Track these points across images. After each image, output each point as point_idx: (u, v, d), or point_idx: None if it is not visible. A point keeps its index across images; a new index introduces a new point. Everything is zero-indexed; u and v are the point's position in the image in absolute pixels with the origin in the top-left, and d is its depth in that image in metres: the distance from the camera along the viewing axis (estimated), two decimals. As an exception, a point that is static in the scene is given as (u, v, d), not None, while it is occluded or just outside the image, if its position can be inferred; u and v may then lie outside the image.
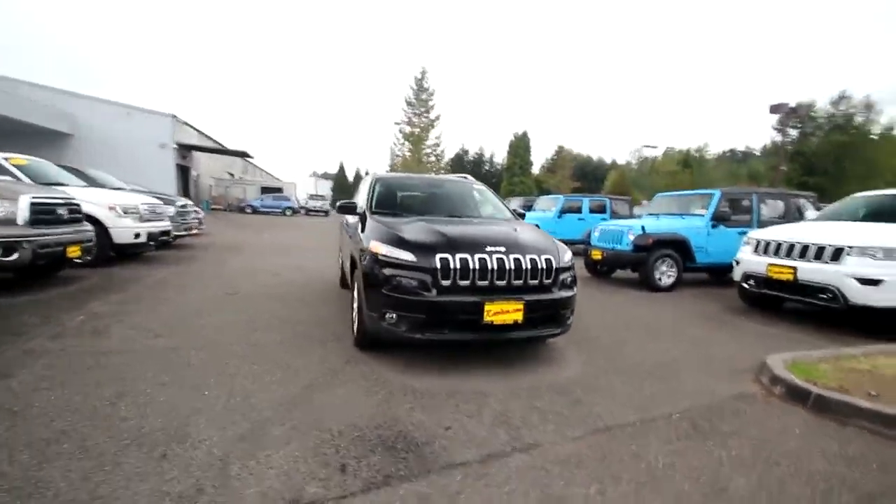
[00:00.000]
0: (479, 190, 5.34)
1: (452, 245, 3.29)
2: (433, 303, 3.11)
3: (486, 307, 3.13)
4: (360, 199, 5.19)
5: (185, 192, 24.40)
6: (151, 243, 8.09)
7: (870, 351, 4.05)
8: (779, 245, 5.56)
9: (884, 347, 4.18)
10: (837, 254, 4.92)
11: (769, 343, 4.49)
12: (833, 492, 2.08)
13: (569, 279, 3.54)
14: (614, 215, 13.49)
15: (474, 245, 3.32)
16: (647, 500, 1.97)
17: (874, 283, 4.63)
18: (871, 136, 38.87)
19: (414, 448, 2.30)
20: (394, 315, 3.21)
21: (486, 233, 3.71)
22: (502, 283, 3.24)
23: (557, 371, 3.50)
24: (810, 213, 6.93)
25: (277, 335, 4.14)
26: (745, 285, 6.01)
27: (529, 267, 3.29)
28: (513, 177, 48.37)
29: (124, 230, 7.42)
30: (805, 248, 5.23)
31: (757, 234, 6.12)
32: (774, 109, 21.57)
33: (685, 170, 37.07)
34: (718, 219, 7.89)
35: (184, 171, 25.95)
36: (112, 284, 6.02)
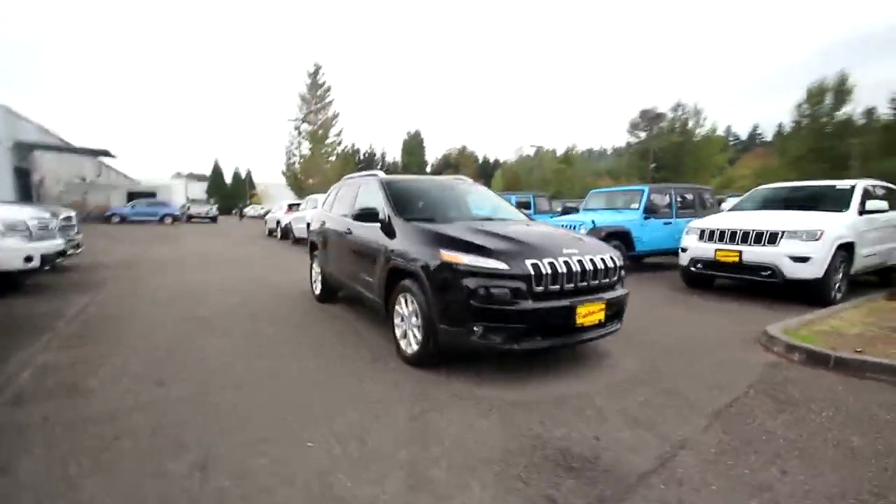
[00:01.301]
0: (485, 191, 5.29)
1: (533, 250, 3.21)
2: (531, 311, 3.01)
3: (578, 310, 3.13)
4: (359, 204, 4.78)
5: (25, 199, 19.74)
6: (46, 268, 6.43)
7: (820, 315, 4.98)
8: (723, 233, 6.49)
9: (823, 312, 5.17)
10: (774, 237, 5.92)
11: (738, 317, 5.25)
12: (918, 435, 2.52)
13: (623, 275, 3.70)
14: (538, 212, 14.40)
15: (552, 249, 3.28)
16: (827, 469, 2.17)
17: (804, 260, 5.68)
18: (695, 138, 47.19)
19: (592, 465, 2.21)
20: (480, 327, 3.03)
21: (549, 235, 3.70)
22: (585, 284, 3.27)
23: (614, 366, 3.64)
24: (726, 203, 8.24)
25: (308, 361, 3.62)
26: (693, 269, 6.90)
27: (602, 267, 3.37)
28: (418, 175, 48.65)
29: (11, 253, 5.78)
30: (747, 234, 6.19)
31: (698, 224, 7.05)
32: (643, 114, 25.04)
33: (569, 167, 41.37)
34: (649, 211, 8.93)
35: (22, 175, 20.99)
36: (28, 325, 4.64)
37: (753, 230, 6.12)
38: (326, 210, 5.93)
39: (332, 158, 34.59)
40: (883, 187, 7.17)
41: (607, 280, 3.43)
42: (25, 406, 2.80)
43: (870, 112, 41.28)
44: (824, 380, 3.35)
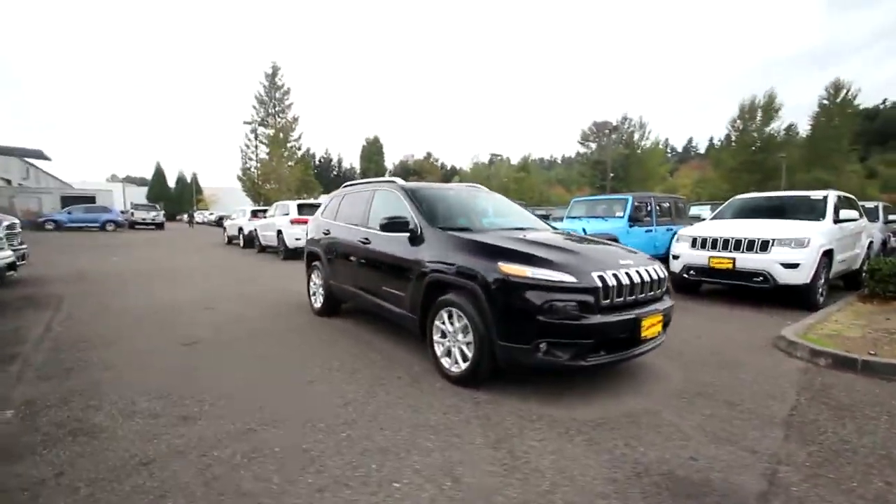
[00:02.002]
0: (503, 199, 5.17)
1: (595, 262, 3.11)
2: (599, 325, 2.88)
3: (643, 322, 3.05)
4: (377, 213, 4.51)
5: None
6: (-5, 283, 5.60)
7: (817, 319, 5.25)
8: (715, 241, 6.74)
9: (817, 316, 5.46)
10: (765, 245, 6.21)
11: (742, 323, 5.44)
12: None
13: (668, 287, 3.68)
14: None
15: (611, 260, 3.20)
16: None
17: (794, 266, 5.99)
18: (638, 150, 49.97)
19: (707, 489, 2.11)
20: (546, 344, 2.88)
21: (601, 246, 3.63)
22: (643, 296, 3.20)
23: (661, 378, 3.60)
24: (706, 213, 8.61)
25: (344, 387, 3.30)
26: (686, 275, 7.12)
27: (655, 278, 3.32)
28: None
29: (-46, 268, 4.96)
30: (739, 242, 6.46)
31: (690, 232, 7.29)
32: (600, 126, 26.21)
33: (528, 175, 42.48)
34: (633, 219, 9.19)
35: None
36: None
37: (746, 238, 6.39)
38: (327, 219, 5.57)
39: (292, 163, 33.26)
40: (846, 197, 7.76)
41: (660, 291, 3.38)
42: (26, 459, 2.32)
43: (788, 128, 45.55)
44: (860, 384, 3.47)
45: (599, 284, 2.93)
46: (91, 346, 4.27)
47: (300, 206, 12.25)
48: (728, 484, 2.14)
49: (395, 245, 4.05)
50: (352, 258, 4.81)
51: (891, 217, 11.49)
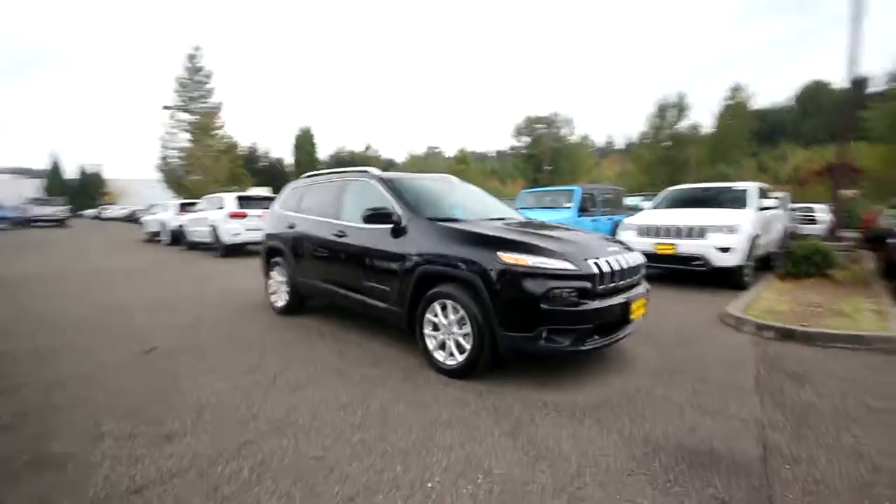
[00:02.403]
0: (477, 189, 5.19)
1: (588, 250, 3.21)
2: (596, 310, 2.99)
3: (632, 306, 3.21)
4: (351, 205, 4.35)
5: None
6: None
7: (750, 297, 5.87)
8: (658, 229, 7.28)
9: (749, 294, 6.11)
10: (702, 232, 6.82)
11: (688, 304, 5.93)
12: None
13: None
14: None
15: (600, 248, 3.32)
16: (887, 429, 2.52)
17: (727, 250, 6.64)
18: (561, 145, 52.69)
19: (716, 457, 2.28)
20: (547, 331, 2.94)
21: (587, 235, 3.76)
22: (630, 281, 3.36)
23: (638, 358, 3.82)
24: (645, 203, 9.24)
25: (337, 389, 3.14)
26: (633, 261, 7.63)
27: (637, 264, 3.50)
28: (303, 175, 45.92)
29: None
30: (680, 229, 7.03)
31: (634, 221, 7.80)
32: (537, 120, 27.22)
33: (467, 167, 43.02)
34: (582, 210, 9.65)
35: None
36: None
37: (686, 226, 6.97)
38: (289, 211, 5.24)
39: (217, 153, 30.74)
40: (762, 188, 8.72)
41: (639, 276, 3.58)
42: (-13, 498, 1.95)
43: (694, 127, 50.17)
44: (803, 352, 3.92)
45: (596, 271, 3.03)
46: (32, 360, 3.69)
47: (240, 199, 11.43)
48: (731, 451, 2.33)
49: (376, 238, 3.91)
50: (323, 253, 4.57)
51: (791, 206, 13.13)
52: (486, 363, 3.19)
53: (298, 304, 5.19)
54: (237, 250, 11.52)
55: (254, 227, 11.04)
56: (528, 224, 4.02)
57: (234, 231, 10.96)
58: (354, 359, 3.77)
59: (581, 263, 3.02)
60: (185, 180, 29.15)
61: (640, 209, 10.45)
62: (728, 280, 6.83)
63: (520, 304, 2.95)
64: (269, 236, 5.54)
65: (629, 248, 3.67)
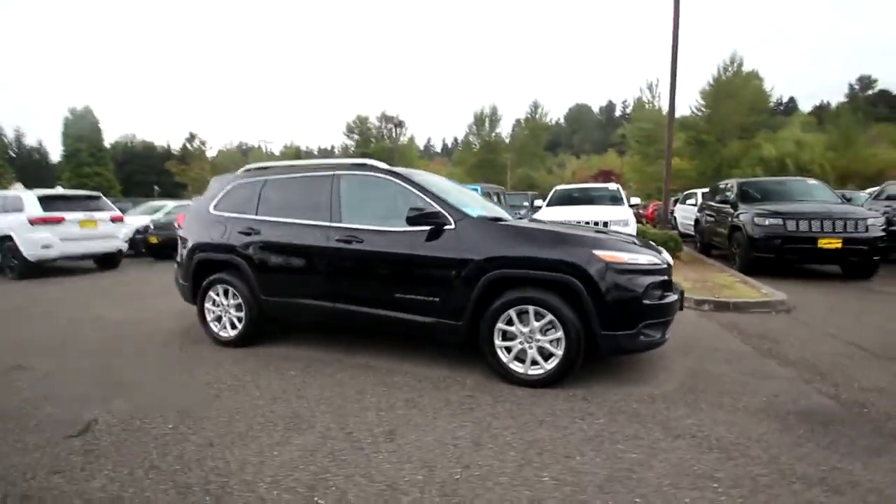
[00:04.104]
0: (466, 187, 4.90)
1: (644, 245, 3.37)
2: (675, 301, 3.17)
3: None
4: (355, 205, 3.69)
5: None
6: None
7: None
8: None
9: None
10: (606, 225, 7.89)
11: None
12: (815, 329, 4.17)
13: None
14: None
15: (642, 243, 3.53)
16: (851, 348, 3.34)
17: (624, 241, 7.86)
18: (393, 145, 54.70)
19: (814, 412, 2.68)
20: (644, 326, 3.01)
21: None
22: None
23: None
24: (539, 201, 10.19)
25: (414, 422, 2.61)
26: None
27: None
28: (80, 167, 36.09)
29: None
30: (587, 223, 7.98)
31: (540, 217, 8.52)
32: (387, 119, 27.24)
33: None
34: (480, 208, 10.09)
35: None
36: None
37: (592, 220, 7.96)
38: (242, 214, 4.07)
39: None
40: (621, 189, 10.57)
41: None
42: None
43: (503, 136, 57.55)
44: (741, 319, 4.90)
45: (672, 262, 3.22)
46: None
47: (46, 199, 8.29)
48: (817, 405, 2.78)
49: (409, 243, 3.36)
50: (317, 264, 3.69)
51: (633, 201, 16.16)
52: (578, 368, 3.07)
53: (259, 331, 4.09)
54: (44, 269, 8.43)
55: (76, 236, 8.26)
56: (562, 223, 4.02)
57: (43, 242, 7.95)
58: (411, 386, 3.17)
59: (658, 257, 3.18)
60: None
61: (524, 206, 11.48)
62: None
63: (624, 303, 2.94)
64: (201, 247, 4.18)
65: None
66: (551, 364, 3.05)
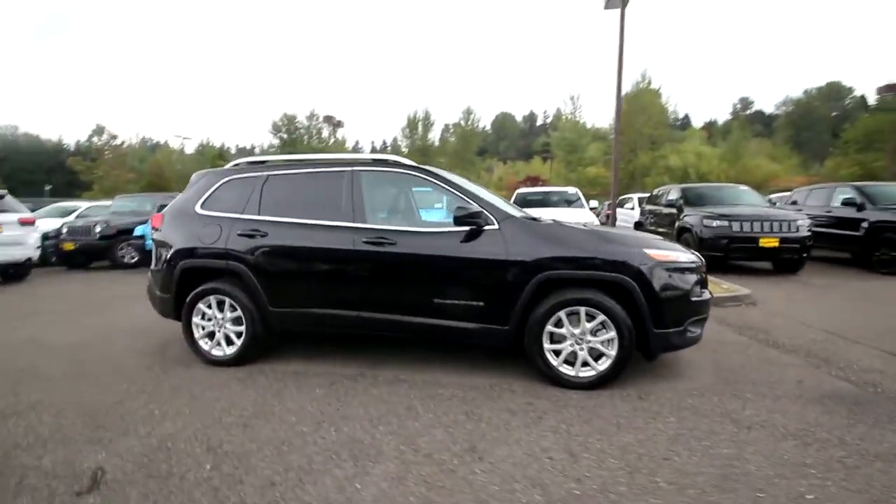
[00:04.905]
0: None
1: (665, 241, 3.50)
2: (710, 297, 3.30)
3: (710, 293, 3.68)
4: (379, 205, 3.44)
5: None
6: None
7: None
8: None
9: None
10: (573, 227, 8.19)
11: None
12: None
13: None
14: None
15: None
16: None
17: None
18: (324, 145, 53.10)
19: (842, 394, 2.92)
20: (691, 323, 3.10)
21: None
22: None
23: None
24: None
25: (524, 433, 2.46)
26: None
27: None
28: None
29: None
30: (556, 226, 8.23)
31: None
32: (327, 119, 26.21)
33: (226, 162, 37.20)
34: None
35: None
36: None
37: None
38: (230, 214, 3.58)
39: None
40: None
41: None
42: None
43: (432, 141, 58.14)
44: (724, 312, 5.25)
45: (704, 261, 3.35)
46: None
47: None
48: (838, 388, 3.04)
49: (449, 244, 3.18)
50: (339, 269, 3.34)
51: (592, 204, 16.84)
52: (623, 368, 3.07)
53: (260, 347, 3.62)
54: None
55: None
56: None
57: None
58: (460, 398, 2.96)
59: (696, 255, 3.30)
60: None
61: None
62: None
63: (675, 300, 2.99)
64: (188, 253, 3.61)
65: None
66: (603, 365, 3.03)
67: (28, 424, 2.66)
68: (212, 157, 31.22)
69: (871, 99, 50.58)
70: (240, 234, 3.49)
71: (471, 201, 3.23)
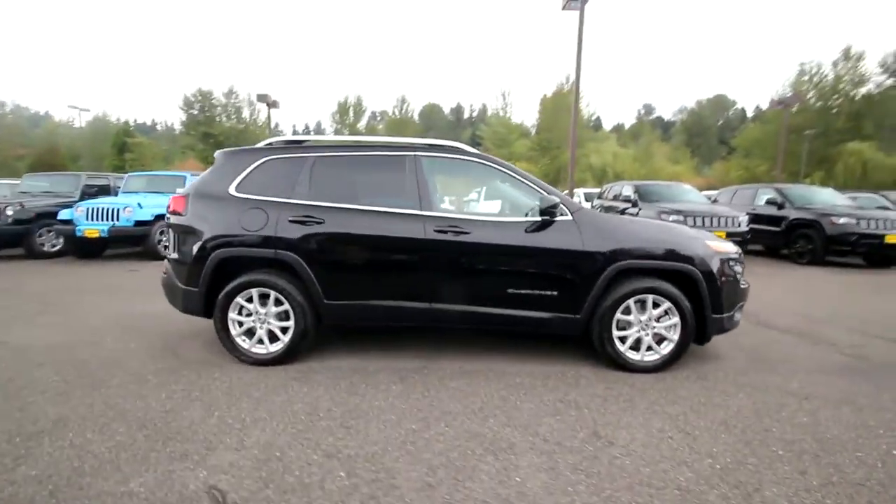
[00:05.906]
0: None
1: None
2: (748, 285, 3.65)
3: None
4: (433, 190, 3.34)
5: None
6: None
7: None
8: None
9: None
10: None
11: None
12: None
13: None
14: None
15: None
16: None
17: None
18: (252, 127, 49.64)
19: (867, 367, 3.43)
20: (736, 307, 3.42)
21: None
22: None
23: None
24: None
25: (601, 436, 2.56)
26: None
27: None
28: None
29: None
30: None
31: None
32: (261, 98, 24.29)
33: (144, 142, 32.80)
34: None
35: None
36: None
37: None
38: (280, 198, 3.24)
39: None
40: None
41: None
42: None
43: (362, 127, 56.99)
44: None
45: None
46: None
47: None
48: (848, 362, 3.55)
49: (524, 234, 3.18)
50: (408, 259, 3.19)
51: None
52: (682, 352, 3.31)
53: (310, 341, 3.34)
54: None
55: None
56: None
57: None
58: (545, 385, 2.99)
59: (735, 247, 3.62)
60: None
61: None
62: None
63: (729, 287, 3.27)
64: (224, 241, 3.19)
65: None
66: (666, 349, 3.24)
67: (71, 444, 2.22)
68: (116, 133, 27.43)
69: (750, 112, 58.54)
70: (291, 221, 3.17)
71: (549, 193, 3.25)
